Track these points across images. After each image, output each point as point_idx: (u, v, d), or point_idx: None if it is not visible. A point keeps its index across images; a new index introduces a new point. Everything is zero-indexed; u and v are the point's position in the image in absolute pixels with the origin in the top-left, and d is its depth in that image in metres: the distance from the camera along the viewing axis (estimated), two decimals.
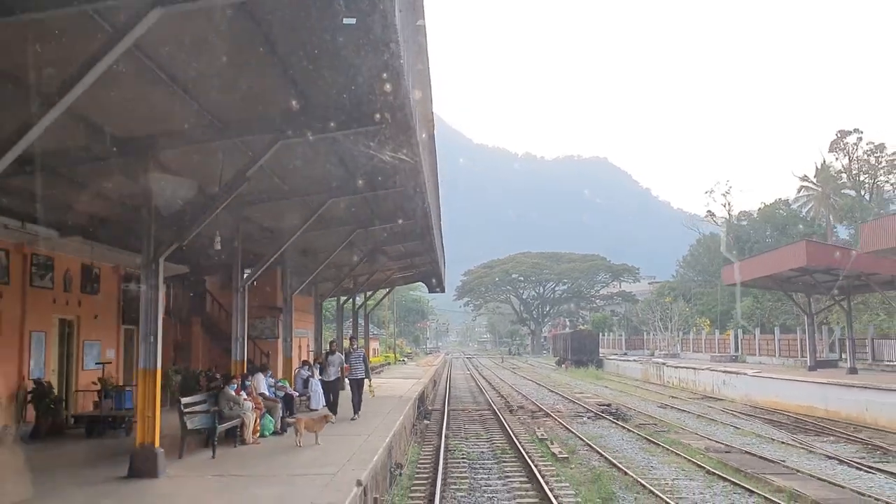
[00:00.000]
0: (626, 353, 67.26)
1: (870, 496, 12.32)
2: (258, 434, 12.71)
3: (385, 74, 7.36)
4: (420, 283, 39.76)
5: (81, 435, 13.68)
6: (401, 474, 13.62)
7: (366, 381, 17.21)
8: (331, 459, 10.69)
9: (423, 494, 12.09)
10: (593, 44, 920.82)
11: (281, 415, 13.78)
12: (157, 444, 9.37)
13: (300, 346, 26.47)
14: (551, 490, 12.22)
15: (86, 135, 8.72)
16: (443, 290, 37.07)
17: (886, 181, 78.11)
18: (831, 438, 20.44)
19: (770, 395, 30.75)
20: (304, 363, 18.17)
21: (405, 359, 65.71)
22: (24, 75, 6.15)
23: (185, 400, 11.22)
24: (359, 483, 8.94)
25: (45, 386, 13.60)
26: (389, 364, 50.54)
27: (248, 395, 12.67)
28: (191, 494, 8.50)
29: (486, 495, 12.26)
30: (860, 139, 77.93)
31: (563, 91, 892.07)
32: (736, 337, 49.38)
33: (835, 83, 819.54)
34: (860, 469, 15.26)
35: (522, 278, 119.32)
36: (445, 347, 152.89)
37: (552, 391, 37.51)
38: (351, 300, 29.83)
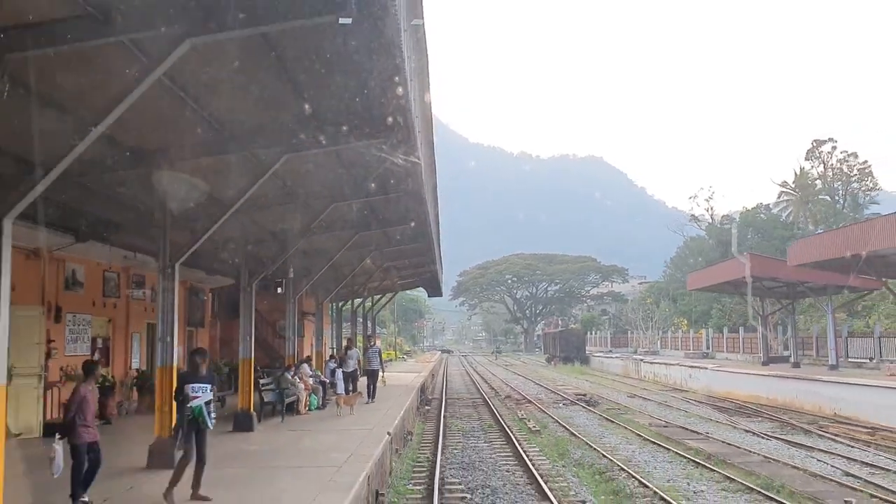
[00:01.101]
0: (611, 351, 71.93)
1: (752, 451, 16.95)
2: (307, 408, 17.28)
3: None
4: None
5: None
6: (411, 439, 18.21)
7: (380, 372, 21.83)
8: (364, 423, 15.26)
9: (429, 450, 16.68)
10: (588, 43, 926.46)
11: (322, 394, 18.36)
12: (251, 408, 13.94)
13: (310, 344, 30.94)
14: (522, 448, 16.80)
15: (199, 196, 13.20)
16: (440, 295, 41.53)
17: (859, 188, 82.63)
18: (759, 419, 25.01)
19: (726, 386, 35.38)
20: (332, 357, 22.75)
21: (405, 356, 70.31)
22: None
23: (262, 381, 15.80)
24: (388, 434, 13.51)
25: (145, 374, 18.13)
26: (391, 360, 55.10)
27: (299, 379, 17.24)
28: (281, 440, 13.04)
29: (475, 452, 16.86)
30: (834, 148, 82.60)
31: (558, 90, 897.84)
32: (707, 336, 54.12)
33: (818, 90, 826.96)
34: (762, 437, 19.87)
35: (516, 279, 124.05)
36: (442, 345, 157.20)
37: (537, 384, 42.12)
38: (362, 304, 34.39)
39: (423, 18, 8.33)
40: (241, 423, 13.75)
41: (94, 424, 8.14)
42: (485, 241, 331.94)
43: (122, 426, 15.75)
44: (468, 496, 11.96)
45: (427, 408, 27.37)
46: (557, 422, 22.92)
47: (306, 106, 9.22)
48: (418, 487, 12.63)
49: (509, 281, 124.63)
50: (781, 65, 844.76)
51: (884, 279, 27.96)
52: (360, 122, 9.53)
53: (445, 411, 25.58)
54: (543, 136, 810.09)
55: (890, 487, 12.92)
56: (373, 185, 13.61)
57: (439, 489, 12.15)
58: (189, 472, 8.33)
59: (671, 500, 11.52)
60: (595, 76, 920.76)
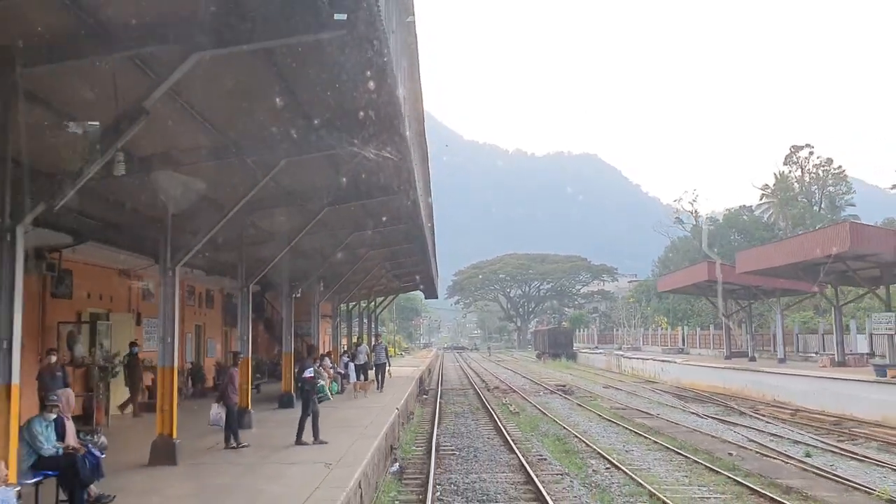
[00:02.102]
0: (597, 347, 76.27)
1: (685, 426, 21.26)
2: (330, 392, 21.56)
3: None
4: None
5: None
6: (412, 418, 22.49)
7: (386, 365, 26.11)
8: (377, 402, 19.53)
9: (427, 425, 20.98)
10: (581, 40, 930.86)
11: (340, 382, 22.66)
12: (292, 391, 18.18)
13: (325, 342, 35.24)
14: (502, 423, 21.08)
15: (261, 235, 17.40)
16: (436, 297, 45.72)
17: (834, 191, 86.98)
18: (708, 404, 29.28)
19: (691, 378, 39.72)
20: (345, 352, 27.03)
21: (403, 353, 74.65)
22: None
23: (295, 371, 20.04)
24: (397, 409, 17.79)
25: (196, 365, 22.38)
26: (392, 356, 59.49)
27: (323, 369, 21.50)
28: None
29: (464, 426, 21.14)
30: (811, 153, 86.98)
31: (552, 88, 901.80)
32: (683, 332, 58.53)
33: (809, 88, 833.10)
34: (701, 417, 24.14)
35: (509, 278, 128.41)
36: (438, 343, 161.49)
37: (524, 377, 46.46)
38: (367, 305, 38.73)
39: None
40: (285, 402, 18.01)
41: (237, 393, 12.40)
42: (480, 238, 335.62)
43: (188, 405, 19.93)
44: (457, 452, 16.25)
45: (425, 396, 31.62)
46: (535, 406, 27.22)
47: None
48: (420, 448, 16.91)
49: (503, 280, 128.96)
50: (775, 62, 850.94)
51: (821, 283, 32.23)
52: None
53: (441, 399, 29.85)
54: (538, 134, 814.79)
55: (774, 447, 17.23)
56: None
57: (436, 448, 16.42)
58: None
59: (604, 454, 15.82)
60: (588, 74, 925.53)
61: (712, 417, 24.06)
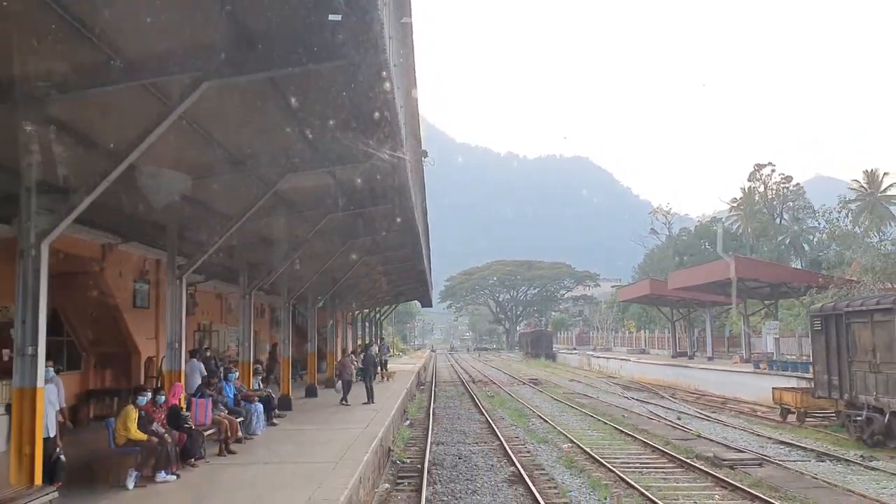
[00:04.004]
0: (574, 349, 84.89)
1: (609, 403, 29.70)
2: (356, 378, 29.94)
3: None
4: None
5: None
6: (414, 399, 30.89)
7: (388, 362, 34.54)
8: (390, 386, 27.90)
9: (427, 403, 29.40)
10: (573, 44, 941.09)
11: None
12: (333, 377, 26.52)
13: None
14: (480, 403, 29.48)
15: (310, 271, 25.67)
16: (431, 306, 54.03)
17: (794, 206, 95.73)
18: (644, 392, 37.64)
19: (642, 373, 48.23)
20: (360, 351, 35.41)
21: (400, 353, 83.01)
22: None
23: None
24: (406, 389, 26.20)
25: (257, 360, 30.72)
26: (392, 356, 67.81)
27: (351, 362, 29.86)
28: (354, 391, 25.58)
29: (452, 403, 29.56)
30: (773, 171, 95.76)
31: (544, 90, 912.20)
32: (645, 335, 67.19)
33: (800, 96, 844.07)
34: (627, 399, 32.54)
35: (498, 283, 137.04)
36: (431, 344, 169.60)
37: (505, 373, 54.85)
38: (376, 313, 47.20)
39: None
40: (329, 384, 26.32)
41: (351, 373, 20.75)
42: (469, 240, 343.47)
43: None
44: (447, 416, 24.68)
45: (422, 387, 39.96)
46: (508, 393, 35.65)
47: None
48: (422, 414, 25.30)
49: (492, 285, 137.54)
50: (775, 61, 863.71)
51: (730, 297, 40.68)
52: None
53: (435, 387, 38.28)
54: (530, 137, 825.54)
55: (661, 415, 25.59)
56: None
57: (433, 414, 24.83)
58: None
59: (543, 417, 24.24)
60: (580, 77, 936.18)
61: (636, 399, 32.50)
